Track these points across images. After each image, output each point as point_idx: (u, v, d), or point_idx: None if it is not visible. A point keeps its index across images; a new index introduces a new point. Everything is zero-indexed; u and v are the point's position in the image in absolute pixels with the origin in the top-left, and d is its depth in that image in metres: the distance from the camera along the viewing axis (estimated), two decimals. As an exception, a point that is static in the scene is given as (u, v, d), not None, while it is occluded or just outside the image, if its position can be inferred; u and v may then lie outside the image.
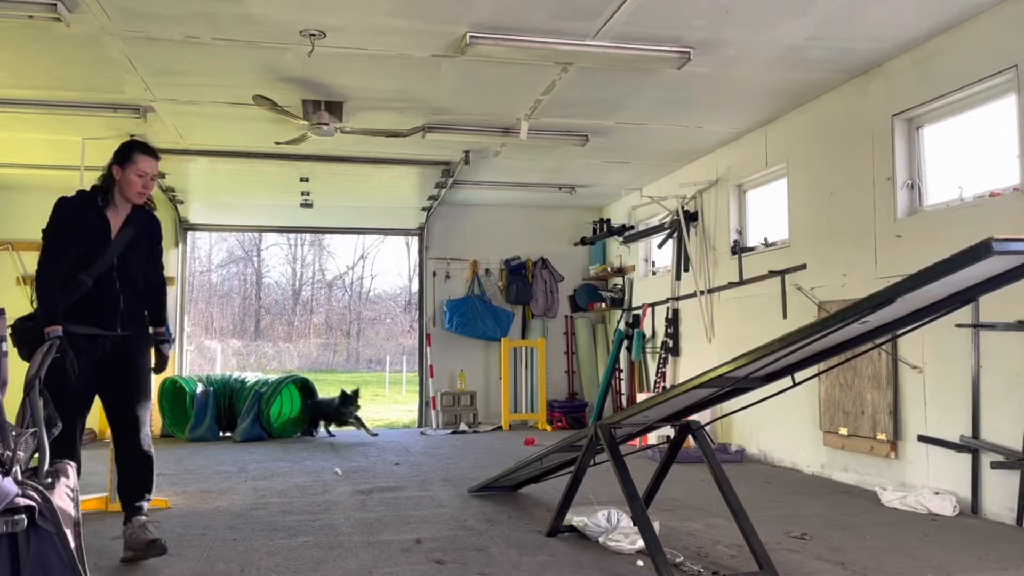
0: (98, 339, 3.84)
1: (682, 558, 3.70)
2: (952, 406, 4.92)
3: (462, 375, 10.59)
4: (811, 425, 6.24)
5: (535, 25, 4.83)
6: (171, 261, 9.85)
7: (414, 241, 11.55)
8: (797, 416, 6.39)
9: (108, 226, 3.87)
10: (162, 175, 8.13)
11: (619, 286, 10.38)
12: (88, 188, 3.99)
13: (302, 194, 9.45)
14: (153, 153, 4.00)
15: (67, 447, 3.58)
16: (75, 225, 3.79)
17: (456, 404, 10.33)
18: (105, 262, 3.82)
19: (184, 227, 10.46)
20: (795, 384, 3.28)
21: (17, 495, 2.02)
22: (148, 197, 4.02)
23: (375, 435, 9.20)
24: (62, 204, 3.85)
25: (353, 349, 33.30)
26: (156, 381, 6.43)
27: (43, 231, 3.79)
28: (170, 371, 8.01)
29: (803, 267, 6.39)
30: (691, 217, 8.21)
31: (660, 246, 8.86)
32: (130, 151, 3.94)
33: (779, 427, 6.69)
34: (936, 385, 5.08)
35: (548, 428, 10.13)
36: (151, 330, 4.13)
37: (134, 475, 3.98)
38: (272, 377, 9.77)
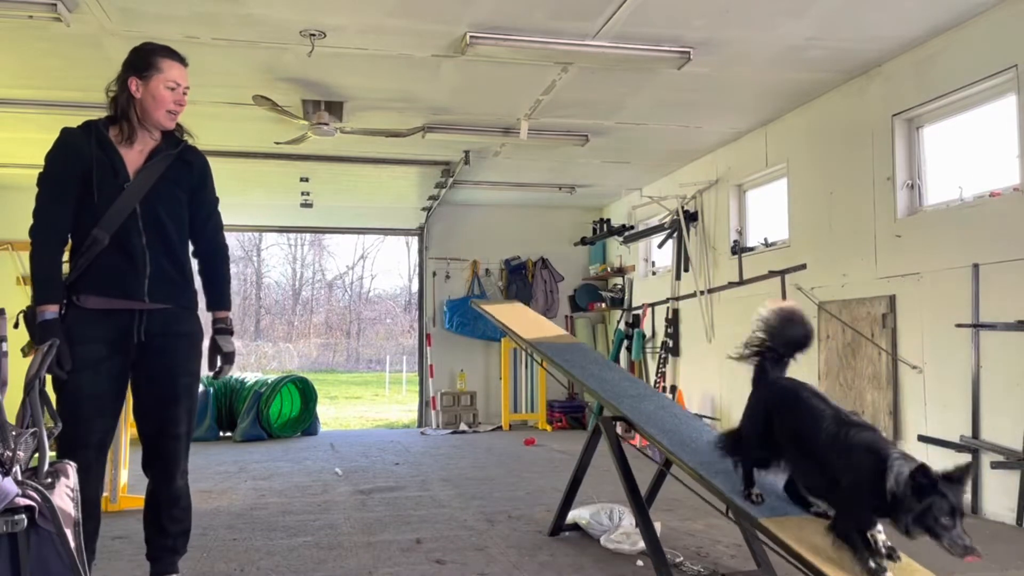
0: (120, 315, 2.86)
1: (682, 558, 3.70)
2: (952, 406, 4.92)
3: (462, 375, 10.59)
4: (811, 425, 6.23)
5: (535, 25, 4.83)
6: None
7: (414, 241, 11.55)
8: (797, 416, 6.38)
9: (122, 163, 2.88)
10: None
11: (619, 286, 10.38)
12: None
13: (302, 194, 9.45)
14: (180, 57, 2.98)
15: (83, 458, 2.57)
16: (78, 164, 2.83)
17: (456, 404, 10.33)
18: (122, 209, 2.84)
19: (184, 227, 10.44)
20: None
21: (17, 495, 2.02)
22: (184, 128, 3.07)
23: None
24: (61, 138, 2.90)
25: (353, 349, 33.31)
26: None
27: (39, 176, 2.89)
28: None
29: (803, 267, 6.39)
30: (691, 217, 8.21)
31: (660, 246, 8.85)
32: (151, 56, 2.92)
33: (779, 427, 6.68)
34: (936, 385, 5.07)
35: (548, 428, 10.13)
36: (211, 316, 3.11)
37: (167, 524, 3.00)
38: (271, 377, 9.77)
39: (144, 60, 2.92)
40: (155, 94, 2.89)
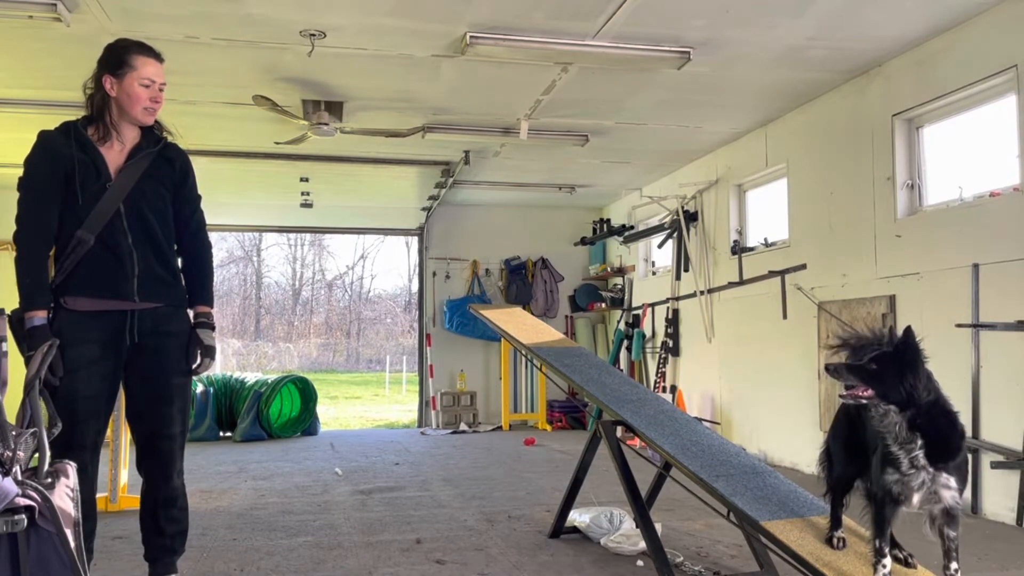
0: (112, 316, 2.84)
1: (682, 558, 3.70)
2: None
3: (462, 375, 10.59)
4: (811, 425, 6.23)
5: (535, 25, 4.83)
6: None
7: (414, 241, 11.55)
8: (797, 416, 6.39)
9: (103, 163, 2.85)
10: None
11: (619, 286, 10.38)
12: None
13: (302, 194, 9.45)
14: (156, 53, 2.94)
15: (79, 460, 2.57)
16: (60, 166, 2.80)
17: (456, 404, 10.33)
18: (106, 210, 2.81)
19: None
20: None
21: (17, 495, 2.02)
22: (162, 125, 3.03)
23: None
24: (40, 141, 2.85)
25: (353, 349, 33.33)
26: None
27: (19, 181, 2.83)
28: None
29: (803, 267, 6.39)
30: (691, 217, 8.21)
31: (660, 246, 8.86)
32: (124, 53, 2.87)
33: (779, 427, 6.69)
34: (936, 385, 5.07)
35: (548, 428, 10.13)
36: (193, 311, 3.06)
37: (164, 524, 2.97)
38: (271, 377, 9.77)
39: (118, 58, 2.87)
40: (130, 92, 2.85)
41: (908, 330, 2.60)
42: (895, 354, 2.59)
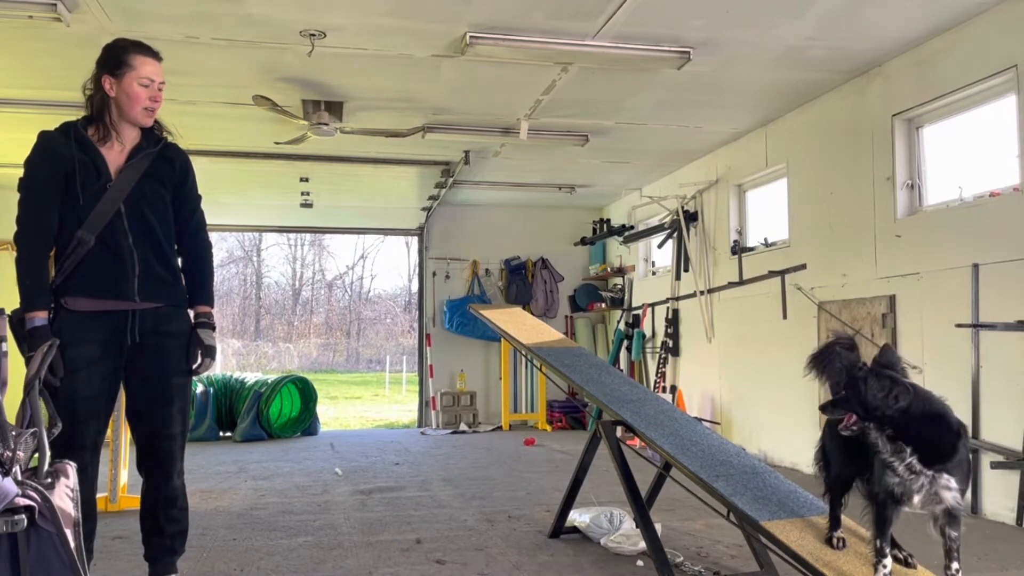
0: (112, 316, 2.84)
1: (682, 558, 3.70)
2: (952, 406, 4.91)
3: (462, 375, 10.59)
4: (811, 425, 6.23)
5: (535, 25, 4.83)
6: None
7: (414, 241, 11.56)
8: (797, 416, 6.39)
9: (103, 163, 2.85)
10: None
11: (619, 286, 10.38)
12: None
13: (302, 194, 9.46)
14: (154, 53, 2.93)
15: (79, 460, 2.56)
16: (61, 167, 2.80)
17: (456, 404, 10.33)
18: (107, 210, 2.80)
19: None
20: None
21: (17, 495, 2.02)
22: (162, 125, 3.03)
23: None
24: (40, 141, 2.85)
25: (353, 349, 33.33)
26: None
27: (19, 181, 2.83)
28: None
29: (803, 267, 6.39)
30: (691, 217, 8.21)
31: (660, 246, 8.86)
32: (123, 53, 2.87)
33: (779, 427, 6.69)
34: (936, 385, 5.06)
35: (548, 428, 10.13)
36: (193, 311, 3.05)
37: (165, 524, 2.97)
38: (271, 377, 9.77)
39: (116, 58, 2.87)
40: (129, 92, 2.85)
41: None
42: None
